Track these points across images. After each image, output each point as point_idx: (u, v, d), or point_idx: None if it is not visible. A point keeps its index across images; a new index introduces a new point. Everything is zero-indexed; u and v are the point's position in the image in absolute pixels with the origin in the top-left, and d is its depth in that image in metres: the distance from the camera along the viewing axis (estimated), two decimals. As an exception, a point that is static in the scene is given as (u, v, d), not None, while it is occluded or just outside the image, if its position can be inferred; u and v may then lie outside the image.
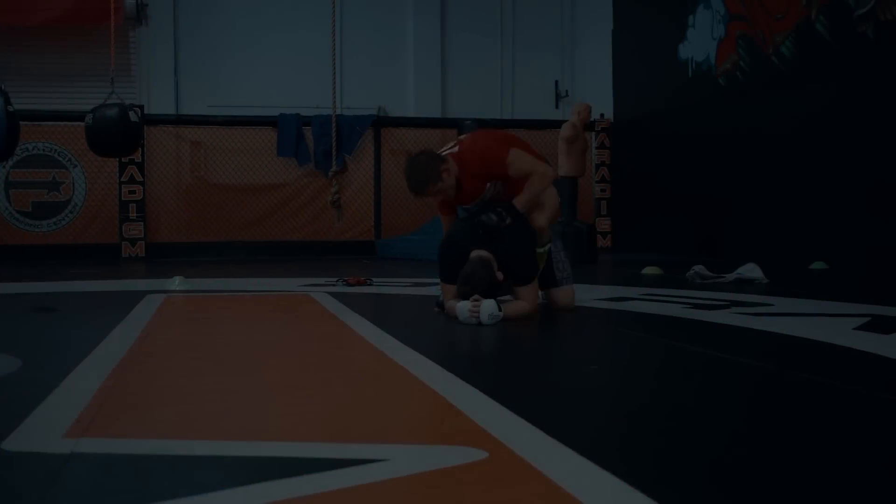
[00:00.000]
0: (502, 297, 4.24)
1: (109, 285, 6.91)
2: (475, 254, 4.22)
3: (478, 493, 1.63)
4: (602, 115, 12.58)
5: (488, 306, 4.01)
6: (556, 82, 14.33)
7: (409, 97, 13.61)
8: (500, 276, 4.17)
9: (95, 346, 3.44)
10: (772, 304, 4.95)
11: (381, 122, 12.28)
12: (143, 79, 12.82)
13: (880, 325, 3.95)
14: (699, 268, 6.81)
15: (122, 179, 11.08)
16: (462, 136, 4.66)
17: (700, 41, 10.76)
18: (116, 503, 1.60)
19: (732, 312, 4.57)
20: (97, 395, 2.51)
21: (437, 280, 4.57)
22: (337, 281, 6.62)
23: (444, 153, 4.39)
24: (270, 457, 1.87)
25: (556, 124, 11.75)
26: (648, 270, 7.64)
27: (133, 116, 8.54)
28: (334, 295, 5.70)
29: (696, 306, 4.89)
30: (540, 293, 4.58)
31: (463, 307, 4.05)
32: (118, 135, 8.43)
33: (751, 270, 6.55)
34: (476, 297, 4.04)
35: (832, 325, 4.05)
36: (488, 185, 4.36)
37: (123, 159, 10.83)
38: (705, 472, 1.78)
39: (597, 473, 1.72)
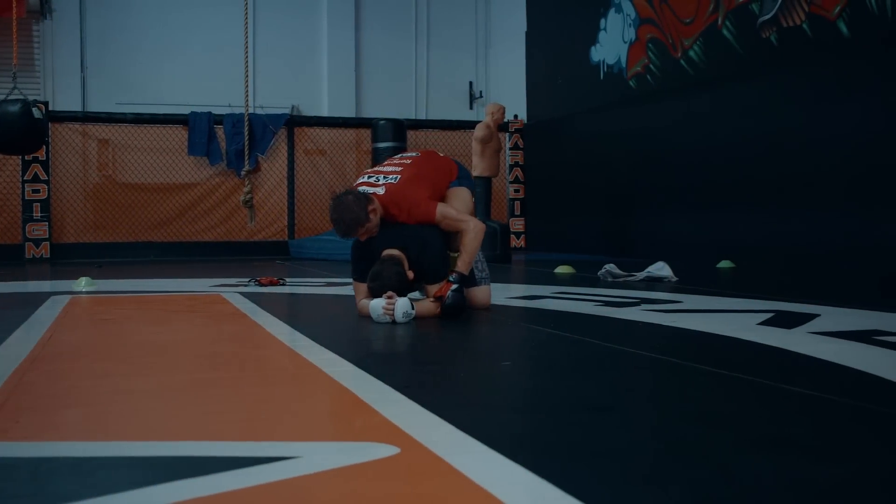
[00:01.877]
0: (413, 296, 4.25)
1: (12, 286, 6.69)
2: (386, 252, 4.22)
3: (389, 488, 1.62)
4: (515, 116, 12.70)
5: (402, 305, 4.00)
6: (471, 83, 14.41)
7: (322, 96, 13.53)
8: (410, 274, 4.18)
9: (-5, 349, 3.32)
10: (681, 301, 5.05)
11: (294, 122, 12.17)
12: (47, 74, 12.46)
13: (783, 321, 4.07)
14: (610, 266, 6.92)
15: (25, 178, 10.73)
16: (386, 174, 4.46)
17: (611, 44, 10.94)
18: (14, 507, 1.54)
19: (642, 309, 4.65)
20: (-4, 397, 2.42)
21: (351, 280, 4.53)
22: (249, 281, 6.53)
23: (368, 192, 4.30)
24: (178, 456, 1.83)
25: (471, 125, 11.83)
26: (561, 270, 7.73)
27: (37, 113, 8.30)
28: (246, 295, 5.62)
29: (607, 304, 4.96)
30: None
31: (376, 305, 4.03)
32: (21, 132, 8.18)
33: (660, 269, 6.68)
34: (390, 294, 4.03)
35: (738, 320, 4.16)
36: None
37: (27, 157, 10.51)
38: (615, 463, 1.80)
39: (508, 467, 1.72)
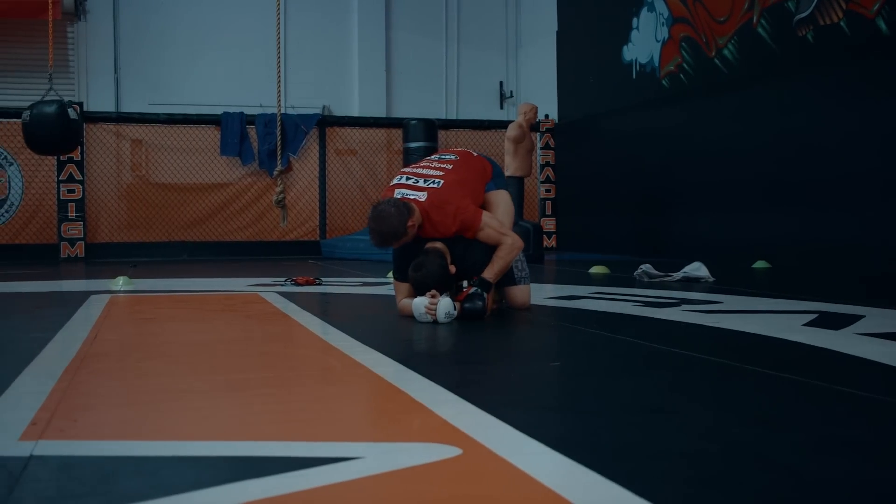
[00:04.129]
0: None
1: (50, 286, 6.75)
2: (430, 245, 4.19)
3: (456, 489, 1.61)
4: (546, 116, 12.66)
5: (445, 305, 3.99)
6: (501, 83, 14.38)
7: (353, 96, 13.56)
8: (452, 269, 4.14)
9: (42, 348, 3.34)
10: (720, 302, 5.01)
11: (326, 122, 12.21)
12: (81, 75, 12.57)
13: (828, 321, 4.02)
14: (646, 266, 6.88)
15: (60, 178, 10.85)
16: (427, 178, 4.35)
17: (644, 43, 10.89)
18: (84, 506, 1.54)
19: (683, 310, 4.61)
20: (50, 396, 2.43)
21: (386, 280, 4.51)
22: (285, 280, 6.55)
23: (409, 198, 4.22)
24: (240, 456, 1.82)
25: (502, 125, 11.84)
26: (596, 270, 7.70)
27: (72, 114, 8.37)
28: (284, 294, 5.63)
29: (647, 304, 4.93)
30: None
31: (419, 304, 4.02)
32: (57, 132, 8.26)
33: (697, 269, 6.63)
34: (434, 293, 4.02)
35: (782, 321, 4.11)
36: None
37: (62, 157, 10.62)
38: (678, 464, 1.78)
39: (573, 468, 1.71)
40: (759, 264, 8.16)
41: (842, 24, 7.72)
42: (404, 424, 2.17)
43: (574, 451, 1.80)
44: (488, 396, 2.43)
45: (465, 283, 4.26)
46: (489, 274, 4.22)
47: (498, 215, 4.42)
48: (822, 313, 4.35)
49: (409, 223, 4.11)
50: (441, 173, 4.40)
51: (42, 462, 1.79)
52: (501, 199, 4.56)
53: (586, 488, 1.60)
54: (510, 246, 4.27)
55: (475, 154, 4.74)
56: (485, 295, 4.17)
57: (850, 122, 7.60)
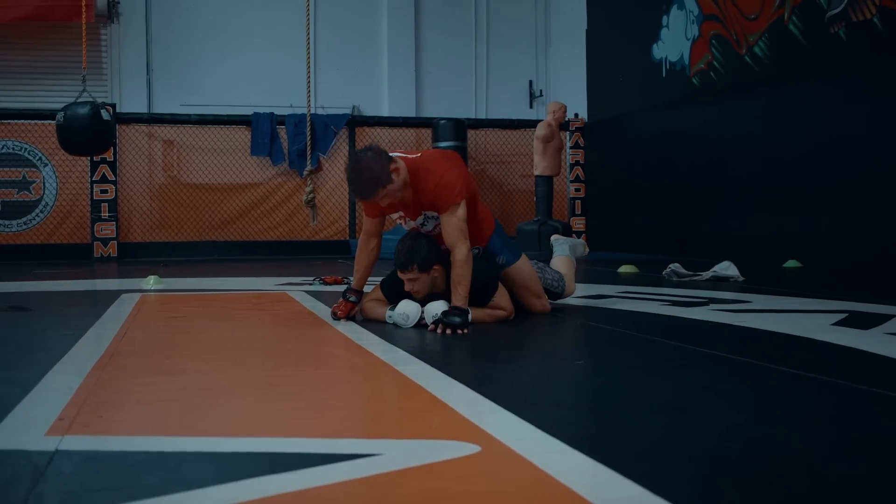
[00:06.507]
0: (437, 305, 3.94)
1: (83, 285, 6.83)
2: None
3: (475, 486, 1.61)
4: (576, 115, 12.62)
5: (436, 307, 3.86)
6: (531, 82, 14.35)
7: (383, 96, 13.59)
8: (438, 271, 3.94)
9: (72, 345, 3.39)
10: (749, 301, 4.97)
11: (355, 122, 12.25)
12: (114, 77, 12.70)
13: (858, 321, 3.98)
14: (675, 266, 6.84)
15: (93, 179, 10.98)
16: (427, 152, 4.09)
17: (674, 41, 10.82)
18: (106, 500, 1.56)
19: (711, 309, 4.58)
20: (78, 393, 2.46)
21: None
22: (314, 280, 6.59)
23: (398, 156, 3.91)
24: (261, 452, 1.84)
25: (531, 124, 11.82)
26: (624, 269, 7.67)
27: (105, 115, 8.45)
28: (312, 293, 5.66)
29: (674, 303, 4.90)
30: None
31: (431, 309, 3.84)
32: (90, 133, 8.35)
33: (726, 268, 6.59)
34: (433, 322, 3.83)
35: (811, 320, 4.07)
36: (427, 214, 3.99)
37: (95, 158, 10.74)
38: (700, 464, 1.77)
39: (592, 466, 1.71)
40: (790, 263, 8.08)
41: (875, 20, 7.63)
42: (424, 422, 2.17)
43: (594, 450, 1.80)
44: (509, 395, 2.43)
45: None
46: (458, 301, 3.81)
47: (530, 281, 4.32)
48: (851, 313, 4.30)
49: (392, 167, 3.76)
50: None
51: (67, 457, 1.82)
52: (517, 273, 4.32)
53: (605, 487, 1.60)
54: (463, 261, 3.81)
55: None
56: (467, 316, 3.81)
57: (883, 120, 7.50)
